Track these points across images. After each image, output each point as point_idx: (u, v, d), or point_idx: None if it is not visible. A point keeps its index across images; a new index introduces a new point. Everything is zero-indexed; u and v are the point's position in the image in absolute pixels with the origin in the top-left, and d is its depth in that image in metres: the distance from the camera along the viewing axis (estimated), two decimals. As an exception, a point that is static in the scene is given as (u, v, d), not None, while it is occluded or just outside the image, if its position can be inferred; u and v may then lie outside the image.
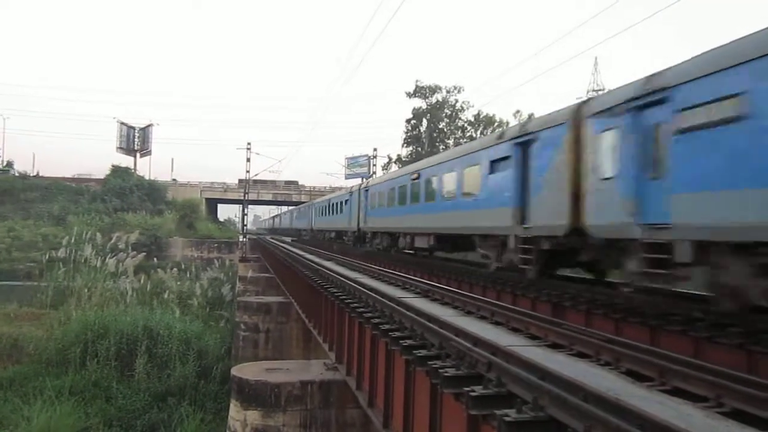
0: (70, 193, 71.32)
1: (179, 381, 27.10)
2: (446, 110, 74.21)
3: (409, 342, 7.76)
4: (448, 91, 73.94)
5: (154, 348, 28.82)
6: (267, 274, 38.90)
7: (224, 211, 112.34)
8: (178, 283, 46.15)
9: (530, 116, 45.16)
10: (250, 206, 69.21)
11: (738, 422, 4.31)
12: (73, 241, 44.13)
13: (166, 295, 41.71)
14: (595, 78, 79.21)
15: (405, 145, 75.21)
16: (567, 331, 7.54)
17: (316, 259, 23.39)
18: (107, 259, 42.92)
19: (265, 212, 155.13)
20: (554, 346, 7.20)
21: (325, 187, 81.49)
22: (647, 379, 5.67)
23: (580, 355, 6.74)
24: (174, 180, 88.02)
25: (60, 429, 22.34)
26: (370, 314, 10.32)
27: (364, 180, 42.05)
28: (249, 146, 55.87)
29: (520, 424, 4.44)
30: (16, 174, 77.36)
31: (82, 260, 42.22)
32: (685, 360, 5.95)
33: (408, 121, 74.94)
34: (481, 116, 72.22)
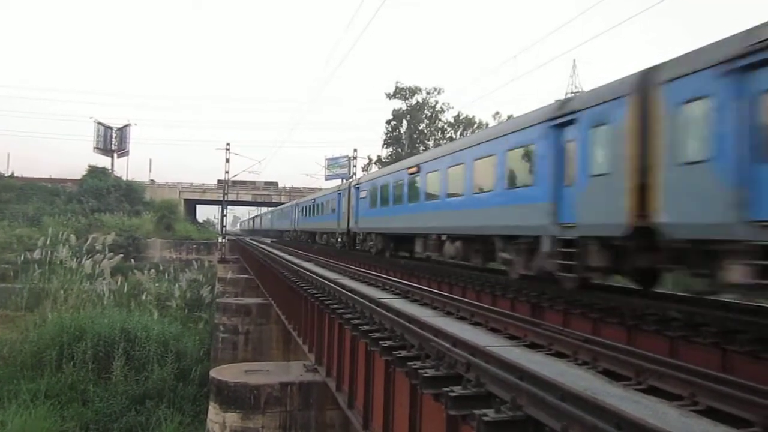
0: (45, 193, 70.16)
1: (157, 383, 26.83)
2: (426, 111, 74.53)
3: (389, 343, 7.76)
4: (428, 93, 74.39)
5: (131, 350, 28.52)
6: (246, 276, 38.68)
7: (203, 212, 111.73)
8: (157, 284, 45.68)
9: (509, 117, 45.28)
10: (229, 207, 68.76)
11: (712, 420, 4.39)
12: (48, 242, 43.49)
13: (144, 297, 41.30)
14: (573, 80, 79.72)
15: (385, 146, 75.44)
16: (545, 332, 7.60)
17: (296, 261, 23.31)
18: (83, 261, 42.34)
19: (245, 213, 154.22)
20: (533, 346, 7.26)
21: (304, 188, 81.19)
22: (624, 378, 5.74)
23: (559, 355, 6.80)
24: (152, 180, 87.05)
25: (35, 433, 22.02)
26: (349, 315, 10.30)
27: (355, 177, 41.15)
28: (228, 147, 55.55)
29: (499, 424, 4.47)
30: (-9, 174, 75.86)
31: (58, 262, 41.61)
32: (660, 359, 6.03)
33: (388, 122, 75.14)
34: (461, 117, 72.59)
